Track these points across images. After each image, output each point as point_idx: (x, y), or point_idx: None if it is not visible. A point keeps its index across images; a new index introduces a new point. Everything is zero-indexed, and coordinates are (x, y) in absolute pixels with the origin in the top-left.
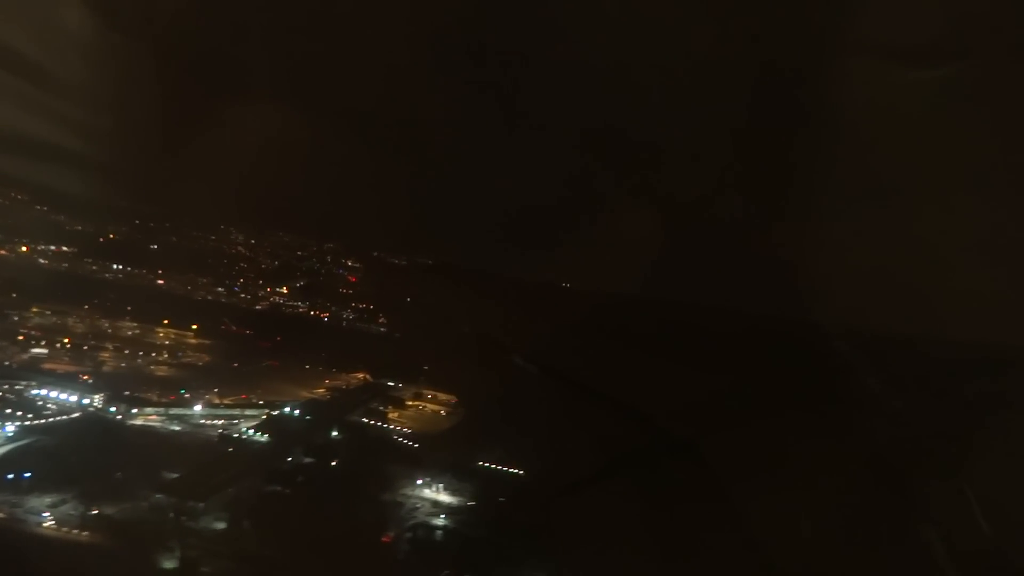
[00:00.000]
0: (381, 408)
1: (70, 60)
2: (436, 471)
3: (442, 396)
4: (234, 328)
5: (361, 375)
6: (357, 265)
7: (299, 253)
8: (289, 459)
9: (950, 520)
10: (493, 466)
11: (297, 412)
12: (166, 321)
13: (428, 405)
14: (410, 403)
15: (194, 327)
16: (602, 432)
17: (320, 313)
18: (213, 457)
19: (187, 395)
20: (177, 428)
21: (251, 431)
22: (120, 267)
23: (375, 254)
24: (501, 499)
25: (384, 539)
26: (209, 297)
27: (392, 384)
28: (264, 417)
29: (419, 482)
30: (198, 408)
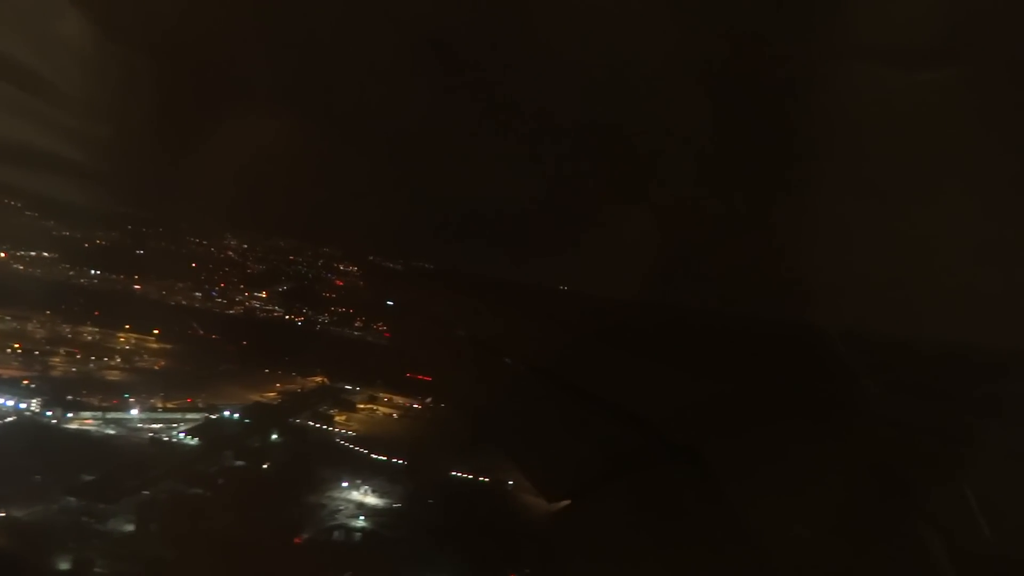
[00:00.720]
0: (329, 411)
1: (52, 61)
2: (369, 474)
3: (399, 400)
4: (201, 332)
5: (319, 378)
6: (350, 269)
7: (291, 258)
8: (217, 462)
9: (951, 523)
10: (436, 468)
11: (237, 416)
12: (127, 326)
13: (382, 408)
14: (362, 406)
15: (156, 332)
16: (599, 436)
17: (295, 317)
18: (135, 460)
19: (131, 399)
20: (111, 432)
21: (182, 434)
22: (96, 272)
23: (371, 258)
24: (430, 501)
25: (295, 540)
26: (183, 302)
27: (349, 387)
28: (202, 420)
29: (345, 484)
30: (135, 412)
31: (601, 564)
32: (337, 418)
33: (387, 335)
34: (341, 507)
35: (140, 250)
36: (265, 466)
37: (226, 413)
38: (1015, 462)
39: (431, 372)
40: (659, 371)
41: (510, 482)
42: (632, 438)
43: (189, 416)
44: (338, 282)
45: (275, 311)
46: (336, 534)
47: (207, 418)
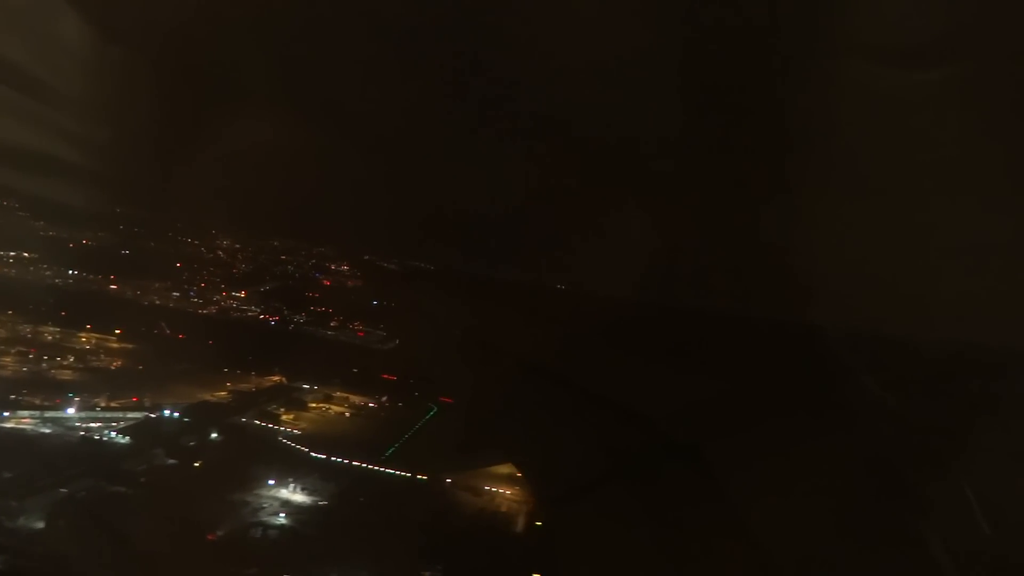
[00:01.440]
0: (277, 410)
1: (42, 60)
2: (304, 472)
3: (356, 399)
4: (168, 332)
5: (277, 378)
6: (342, 269)
7: (283, 257)
8: (146, 460)
9: (950, 520)
10: (374, 467)
11: (177, 415)
12: (88, 326)
13: (334, 407)
14: (314, 405)
15: (117, 332)
16: (599, 434)
17: (270, 317)
18: (59, 458)
19: (75, 398)
20: (47, 431)
21: (114, 433)
22: (74, 272)
23: (366, 258)
24: (361, 499)
25: (208, 537)
26: (157, 301)
27: (307, 387)
28: (141, 420)
29: (272, 482)
30: (71, 411)
31: (601, 560)
32: (284, 417)
33: (360, 334)
34: (265, 505)
35: (126, 250)
36: (197, 464)
37: (166, 412)
38: (1015, 461)
39: (411, 370)
40: (659, 370)
41: (448, 480)
42: (632, 436)
43: (131, 415)
44: (326, 282)
45: (251, 311)
46: (252, 531)
47: (147, 417)
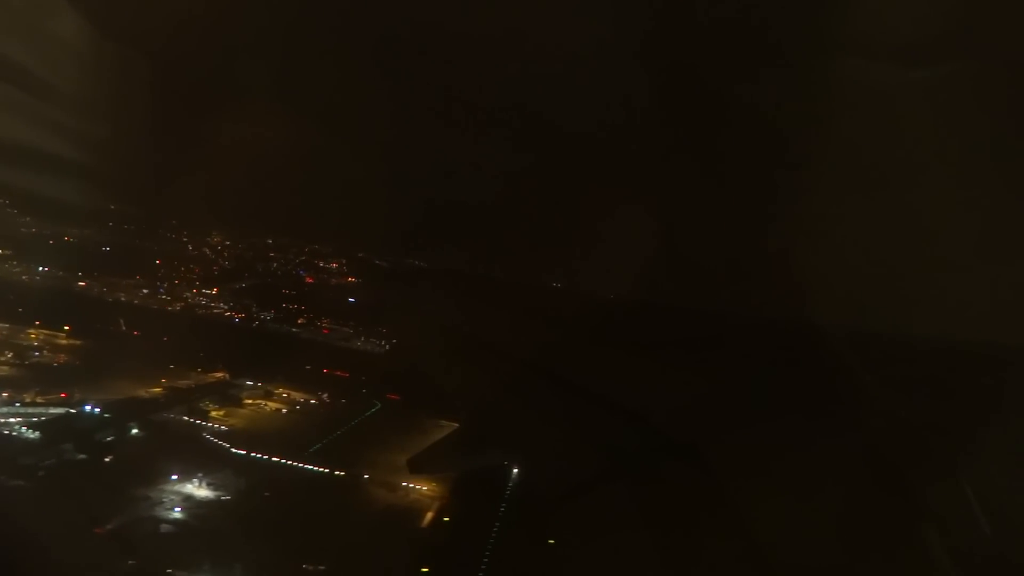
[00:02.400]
0: (206, 406)
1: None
2: (216, 467)
3: (298, 396)
4: (123, 329)
5: (221, 374)
6: (331, 267)
7: (272, 254)
8: (54, 455)
9: (951, 519)
10: (294, 463)
11: (97, 410)
12: (38, 322)
13: (271, 404)
14: (249, 401)
15: (66, 328)
16: (598, 435)
17: (236, 314)
18: None
19: (2, 394)
20: None
21: (25, 428)
22: (43, 270)
23: (360, 255)
24: (266, 493)
25: (96, 531)
26: (123, 298)
27: (250, 383)
28: (59, 415)
29: (175, 477)
30: None
31: (601, 561)
32: (213, 413)
33: (325, 331)
34: (165, 499)
35: (107, 247)
36: (108, 459)
37: (86, 408)
38: (1016, 460)
39: (373, 367)
40: (658, 369)
41: (366, 476)
42: (632, 436)
43: (52, 411)
44: (308, 279)
45: (218, 308)
46: (144, 525)
47: (67, 412)
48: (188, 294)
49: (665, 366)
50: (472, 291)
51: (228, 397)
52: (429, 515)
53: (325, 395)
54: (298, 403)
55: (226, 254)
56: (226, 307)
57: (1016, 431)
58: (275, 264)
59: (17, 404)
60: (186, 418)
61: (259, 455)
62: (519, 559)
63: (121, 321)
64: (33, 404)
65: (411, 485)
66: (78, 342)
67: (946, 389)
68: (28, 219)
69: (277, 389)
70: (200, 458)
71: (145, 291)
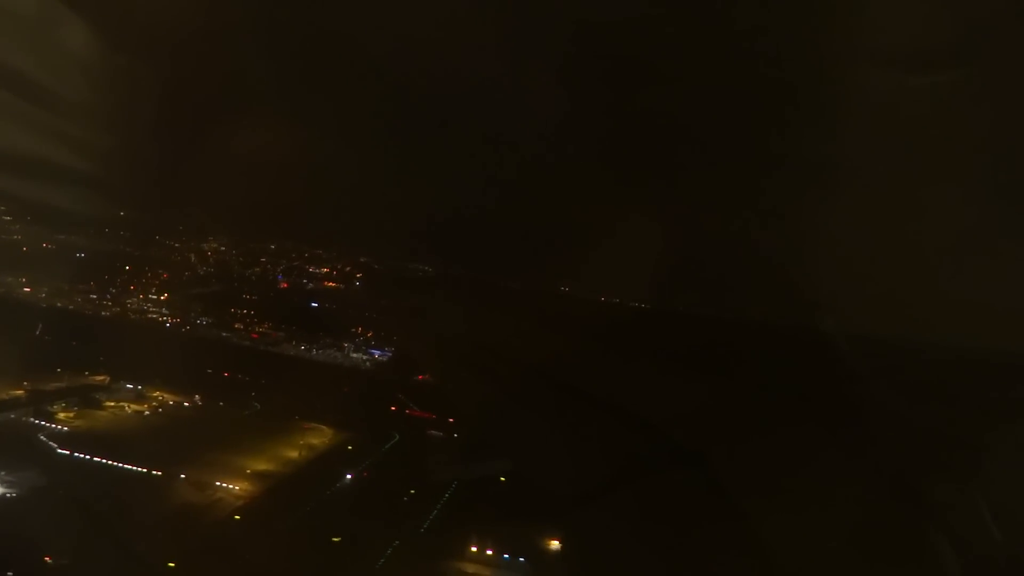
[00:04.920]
0: (54, 408)
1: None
2: (27, 467)
3: (170, 398)
4: (38, 332)
5: (102, 377)
6: (320, 271)
7: (262, 259)
8: None
9: (963, 528)
10: (115, 463)
11: None
12: None
13: (134, 406)
14: (111, 404)
15: None
16: (603, 442)
17: (170, 319)
18: None
19: None
20: None
21: None
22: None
23: (362, 260)
24: (60, 491)
25: None
26: (58, 303)
27: (129, 386)
28: None
29: None
30: None
31: (607, 570)
32: (61, 415)
33: (254, 336)
34: None
35: (81, 253)
36: None
37: None
38: None
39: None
40: (665, 375)
41: (182, 475)
42: (638, 443)
43: None
44: (283, 285)
45: (156, 313)
46: None
47: None
48: (132, 300)
49: (675, 373)
50: (475, 295)
51: (88, 400)
52: (217, 514)
53: (198, 397)
54: (166, 406)
55: (211, 259)
56: (167, 313)
57: None
58: (257, 269)
59: None
60: (31, 419)
61: (81, 455)
62: None
63: (41, 325)
64: None
65: (226, 486)
66: None
67: (960, 397)
68: (18, 226)
69: (153, 392)
70: (24, 460)
71: (93, 296)
